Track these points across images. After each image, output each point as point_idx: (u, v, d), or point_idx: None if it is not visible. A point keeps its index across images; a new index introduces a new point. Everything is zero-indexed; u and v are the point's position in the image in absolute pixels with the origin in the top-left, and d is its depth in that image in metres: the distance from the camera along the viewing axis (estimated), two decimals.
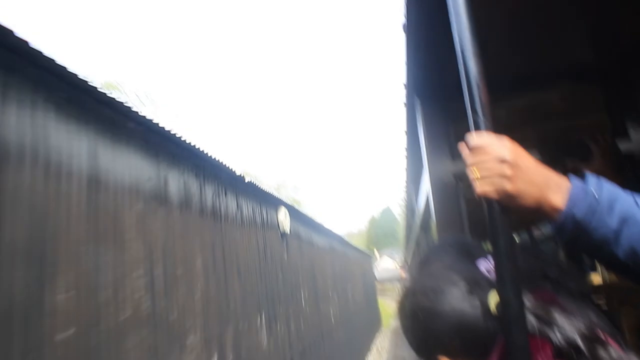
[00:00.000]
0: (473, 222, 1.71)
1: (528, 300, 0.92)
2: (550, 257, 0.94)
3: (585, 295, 1.04)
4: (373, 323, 20.12)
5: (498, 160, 0.84)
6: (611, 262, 0.83)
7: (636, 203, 0.82)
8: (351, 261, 15.09)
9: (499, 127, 0.89)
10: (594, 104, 2.15)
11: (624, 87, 1.94)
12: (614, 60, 1.84)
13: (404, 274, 28.72)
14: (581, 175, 0.89)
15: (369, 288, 21.35)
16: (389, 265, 58.69)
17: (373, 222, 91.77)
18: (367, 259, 22.52)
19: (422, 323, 1.02)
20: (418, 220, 3.40)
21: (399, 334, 18.85)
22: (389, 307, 34.72)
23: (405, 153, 3.47)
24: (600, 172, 1.79)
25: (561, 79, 1.93)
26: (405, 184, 4.26)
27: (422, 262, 1.15)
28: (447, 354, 1.01)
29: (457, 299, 0.98)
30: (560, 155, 2.08)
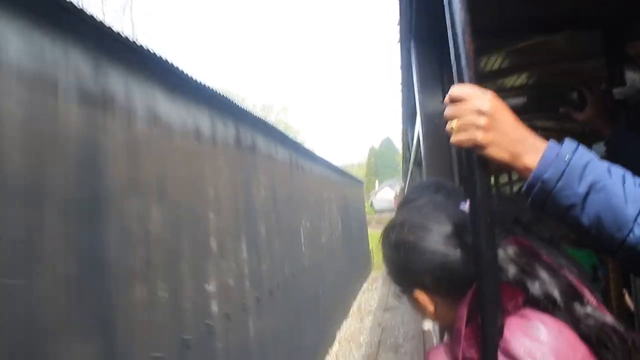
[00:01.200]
0: (461, 165, 1.73)
1: (512, 249, 0.95)
2: (526, 203, 0.93)
3: (557, 243, 1.08)
4: (359, 267, 15.90)
5: (476, 112, 0.85)
6: (576, 228, 0.86)
7: (608, 171, 0.84)
8: (331, 185, 12.19)
9: (489, 76, 0.89)
10: (593, 50, 2.11)
11: (624, 34, 1.91)
12: (615, 7, 1.79)
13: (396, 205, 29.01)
14: (562, 138, 0.90)
15: (358, 222, 17.22)
16: (389, 196, 59.28)
17: (373, 153, 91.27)
18: (355, 186, 18.30)
19: (404, 256, 1.04)
20: (412, 155, 3.41)
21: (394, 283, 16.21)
22: None
23: (400, 88, 3.45)
24: (593, 119, 1.80)
25: (561, 23, 1.89)
26: (401, 118, 4.24)
27: (409, 197, 1.18)
28: (423, 290, 1.05)
29: (441, 239, 1.00)
30: (553, 101, 2.07)
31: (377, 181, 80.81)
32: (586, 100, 1.74)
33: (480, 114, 0.85)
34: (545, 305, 0.90)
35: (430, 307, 1.04)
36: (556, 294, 0.90)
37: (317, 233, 9.45)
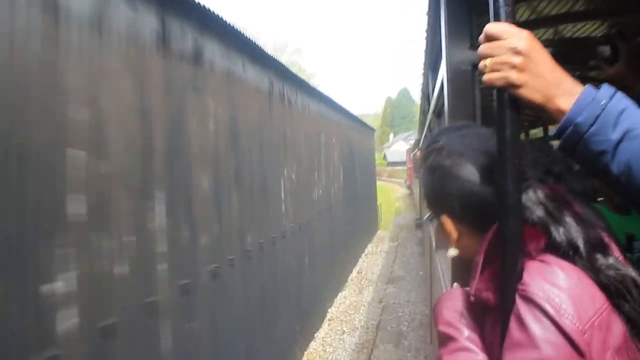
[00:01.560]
0: (486, 114, 1.71)
1: (542, 193, 0.97)
2: (558, 154, 0.97)
3: (588, 196, 1.09)
4: (363, 226, 14.34)
5: (511, 50, 0.86)
6: (604, 175, 0.87)
7: None
8: (332, 127, 10.38)
9: (525, 23, 0.87)
10: (631, 4, 2.04)
11: None
12: None
13: (410, 159, 28.50)
14: (599, 84, 0.88)
15: (365, 173, 15.51)
16: (403, 149, 59.29)
17: (389, 103, 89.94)
18: (365, 132, 16.08)
19: (438, 180, 1.10)
20: (432, 105, 3.38)
21: (402, 246, 14.72)
22: (396, 195, 32.78)
23: (425, 35, 3.37)
24: (624, 74, 1.76)
25: None
26: (423, 67, 4.17)
27: (435, 139, 1.21)
28: (450, 216, 1.11)
29: (475, 170, 1.05)
30: (583, 54, 2.02)
31: (391, 134, 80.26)
32: (619, 54, 1.69)
33: (516, 52, 0.86)
34: (567, 252, 0.95)
35: (454, 234, 1.11)
36: (580, 242, 0.93)
37: (306, 185, 7.97)
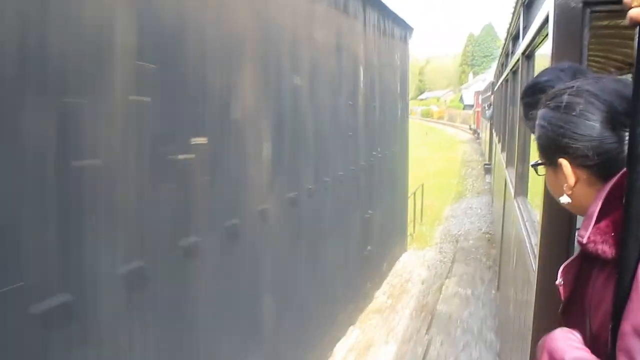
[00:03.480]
0: (594, 54, 1.58)
1: None
2: None
3: None
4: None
5: None
6: None
7: None
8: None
9: None
10: None
11: None
12: None
13: (478, 102, 26.58)
14: None
15: (390, 115, 8.55)
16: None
17: (471, 40, 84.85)
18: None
19: (564, 119, 1.03)
20: (523, 46, 3.17)
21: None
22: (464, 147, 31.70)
23: None
24: None
25: None
26: (514, 2, 3.88)
27: (541, 80, 1.17)
28: (570, 160, 1.04)
29: (608, 114, 0.99)
30: None
31: (471, 73, 76.47)
32: None
33: None
34: None
35: (571, 179, 1.05)
36: None
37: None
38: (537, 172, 1.25)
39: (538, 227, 2.08)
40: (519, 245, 3.04)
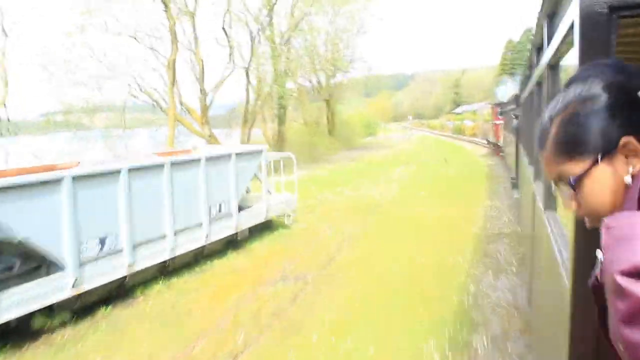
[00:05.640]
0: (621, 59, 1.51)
1: None
2: None
3: None
4: None
5: None
6: None
7: None
8: None
9: None
10: None
11: None
12: None
13: (496, 116, 24.32)
14: None
15: None
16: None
17: (510, 47, 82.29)
18: None
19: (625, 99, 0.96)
20: (547, 57, 3.09)
21: None
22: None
23: None
24: None
25: None
26: (538, 13, 3.79)
27: (585, 74, 1.06)
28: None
29: None
30: None
31: (497, 87, 74.44)
32: None
33: None
34: None
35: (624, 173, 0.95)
36: None
37: None
38: (574, 188, 1.04)
39: (569, 241, 1.99)
40: (549, 260, 2.93)
